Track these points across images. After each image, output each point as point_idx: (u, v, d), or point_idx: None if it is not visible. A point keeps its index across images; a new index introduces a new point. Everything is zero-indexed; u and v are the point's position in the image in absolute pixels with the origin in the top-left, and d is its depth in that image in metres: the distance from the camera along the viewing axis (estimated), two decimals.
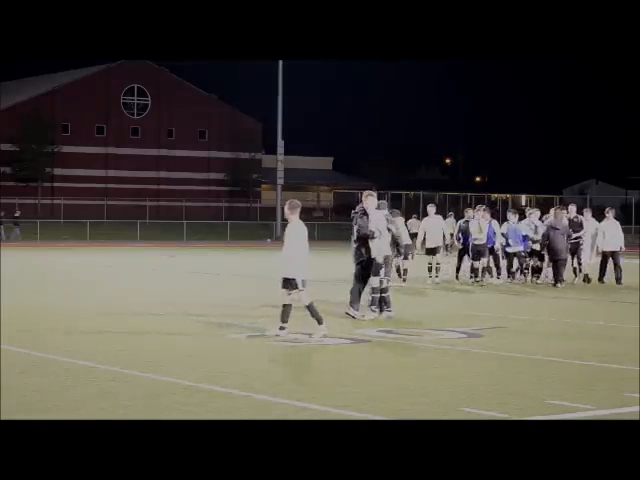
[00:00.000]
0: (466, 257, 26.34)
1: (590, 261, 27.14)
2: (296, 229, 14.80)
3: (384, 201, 19.96)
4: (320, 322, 14.60)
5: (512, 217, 26.27)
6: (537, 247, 25.86)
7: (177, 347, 13.74)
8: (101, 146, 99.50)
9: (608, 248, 26.65)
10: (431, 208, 26.92)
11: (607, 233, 26.76)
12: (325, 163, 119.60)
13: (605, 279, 26.69)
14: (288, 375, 12.02)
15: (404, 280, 25.20)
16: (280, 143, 71.06)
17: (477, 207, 26.73)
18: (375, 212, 17.80)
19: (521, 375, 11.55)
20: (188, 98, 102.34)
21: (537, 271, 26.34)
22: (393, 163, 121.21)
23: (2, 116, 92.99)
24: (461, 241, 26.23)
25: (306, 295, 14.66)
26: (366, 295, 17.66)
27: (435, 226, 26.34)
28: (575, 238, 26.34)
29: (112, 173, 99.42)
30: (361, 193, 18.93)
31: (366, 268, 17.53)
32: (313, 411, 9.23)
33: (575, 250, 26.61)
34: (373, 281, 17.48)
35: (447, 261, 28.17)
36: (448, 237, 27.25)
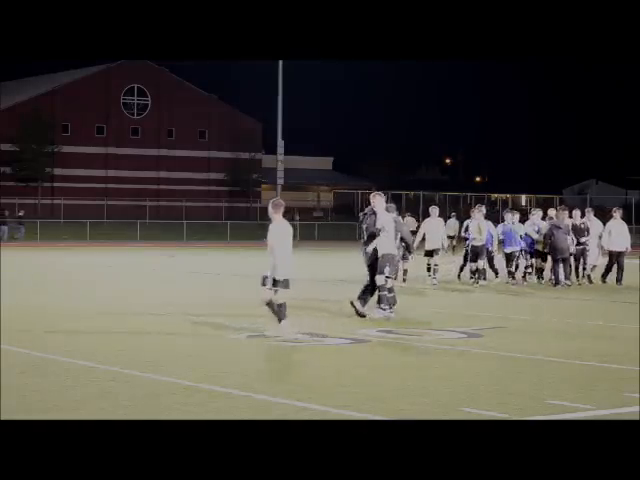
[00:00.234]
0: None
1: (597, 262, 27.09)
2: (281, 228, 14.82)
3: (392, 204, 19.94)
4: (280, 321, 14.66)
5: (509, 217, 26.23)
6: (540, 247, 25.83)
7: (177, 347, 13.73)
8: (101, 146, 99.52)
9: (614, 248, 26.56)
10: (434, 210, 26.73)
11: (613, 232, 26.69)
12: (325, 163, 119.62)
13: (607, 279, 26.65)
14: (288, 375, 12.01)
15: (404, 280, 25.19)
16: (280, 143, 71.02)
17: (474, 207, 26.70)
18: (384, 212, 17.83)
19: (521, 375, 11.55)
20: (188, 98, 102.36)
21: (540, 272, 26.31)
22: (393, 163, 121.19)
23: (2, 116, 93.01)
24: (468, 241, 26.18)
25: (284, 295, 14.65)
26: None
27: (436, 228, 26.25)
28: (581, 243, 26.26)
29: (112, 173, 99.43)
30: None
31: (375, 267, 17.55)
32: (313, 411, 9.22)
33: (581, 254, 26.51)
34: (378, 279, 17.45)
35: (451, 260, 28.13)
36: (446, 241, 27.16)
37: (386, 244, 17.52)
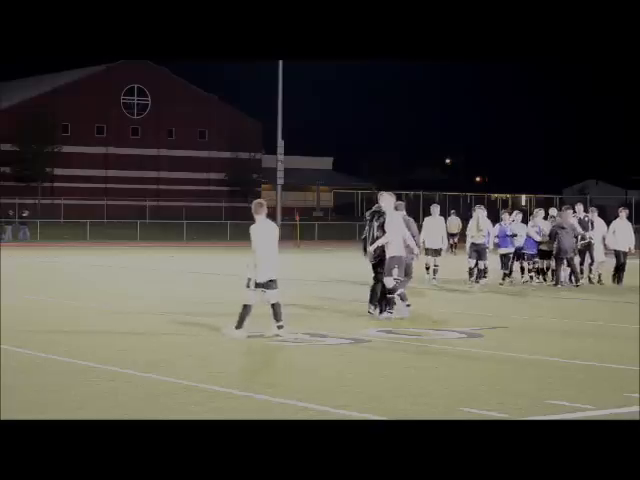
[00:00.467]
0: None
1: (604, 258, 27.02)
2: (263, 228, 14.79)
3: (402, 202, 19.85)
4: (239, 327, 14.51)
5: (506, 218, 26.20)
6: (544, 247, 25.81)
7: (177, 347, 13.73)
8: (101, 146, 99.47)
9: (619, 247, 26.51)
10: (435, 208, 26.57)
11: (618, 232, 26.66)
12: (325, 163, 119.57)
13: (622, 277, 26.54)
14: (288, 375, 12.01)
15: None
16: (280, 143, 70.98)
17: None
18: (393, 212, 17.74)
19: (521, 375, 11.55)
20: (188, 98, 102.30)
21: (543, 272, 26.28)
22: (393, 163, 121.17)
23: (2, 116, 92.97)
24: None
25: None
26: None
27: (436, 227, 26.15)
28: (585, 238, 26.22)
29: (112, 173, 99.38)
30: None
31: (381, 267, 17.48)
32: (313, 411, 9.23)
33: (587, 248, 26.45)
34: (387, 282, 17.39)
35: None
36: (446, 240, 27.12)
37: (394, 246, 17.41)
